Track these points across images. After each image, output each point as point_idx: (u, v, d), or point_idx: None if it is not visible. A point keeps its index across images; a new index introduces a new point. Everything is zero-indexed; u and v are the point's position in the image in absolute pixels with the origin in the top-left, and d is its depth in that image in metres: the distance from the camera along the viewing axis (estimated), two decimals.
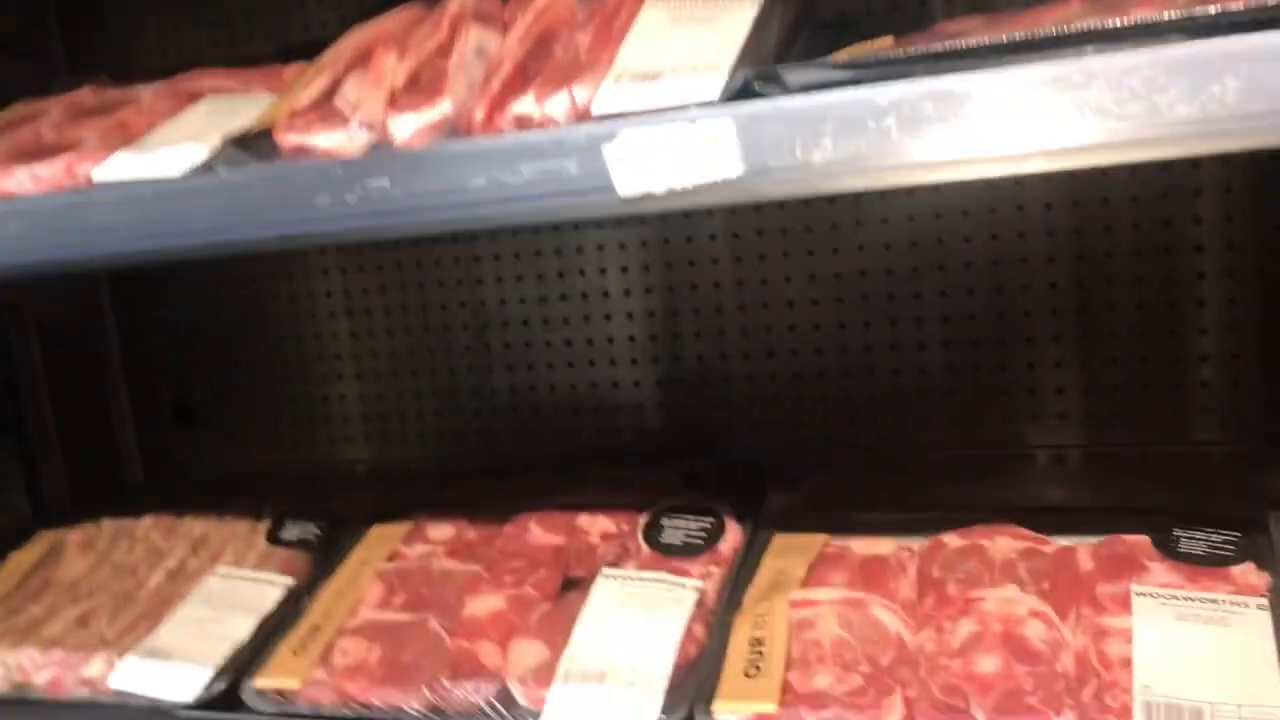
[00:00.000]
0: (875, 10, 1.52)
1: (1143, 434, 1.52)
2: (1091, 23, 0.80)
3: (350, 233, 0.99)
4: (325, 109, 1.10)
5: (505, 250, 1.72)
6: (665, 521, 1.25)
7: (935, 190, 1.56)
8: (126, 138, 1.19)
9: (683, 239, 1.66)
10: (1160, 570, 1.09)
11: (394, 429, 1.87)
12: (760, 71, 0.91)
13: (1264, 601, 1.03)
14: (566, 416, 1.75)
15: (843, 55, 0.92)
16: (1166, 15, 0.78)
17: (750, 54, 0.97)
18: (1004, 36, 0.83)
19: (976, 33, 0.93)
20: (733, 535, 1.23)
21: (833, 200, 1.60)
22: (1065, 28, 0.81)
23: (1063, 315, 1.52)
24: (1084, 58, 0.78)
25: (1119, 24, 0.79)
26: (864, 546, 1.21)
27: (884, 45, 0.98)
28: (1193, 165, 1.45)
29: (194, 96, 1.25)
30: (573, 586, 1.21)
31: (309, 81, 1.14)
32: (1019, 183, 1.51)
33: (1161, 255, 1.47)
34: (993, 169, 0.82)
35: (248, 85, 1.27)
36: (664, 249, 1.67)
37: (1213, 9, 0.77)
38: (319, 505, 1.51)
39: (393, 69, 1.08)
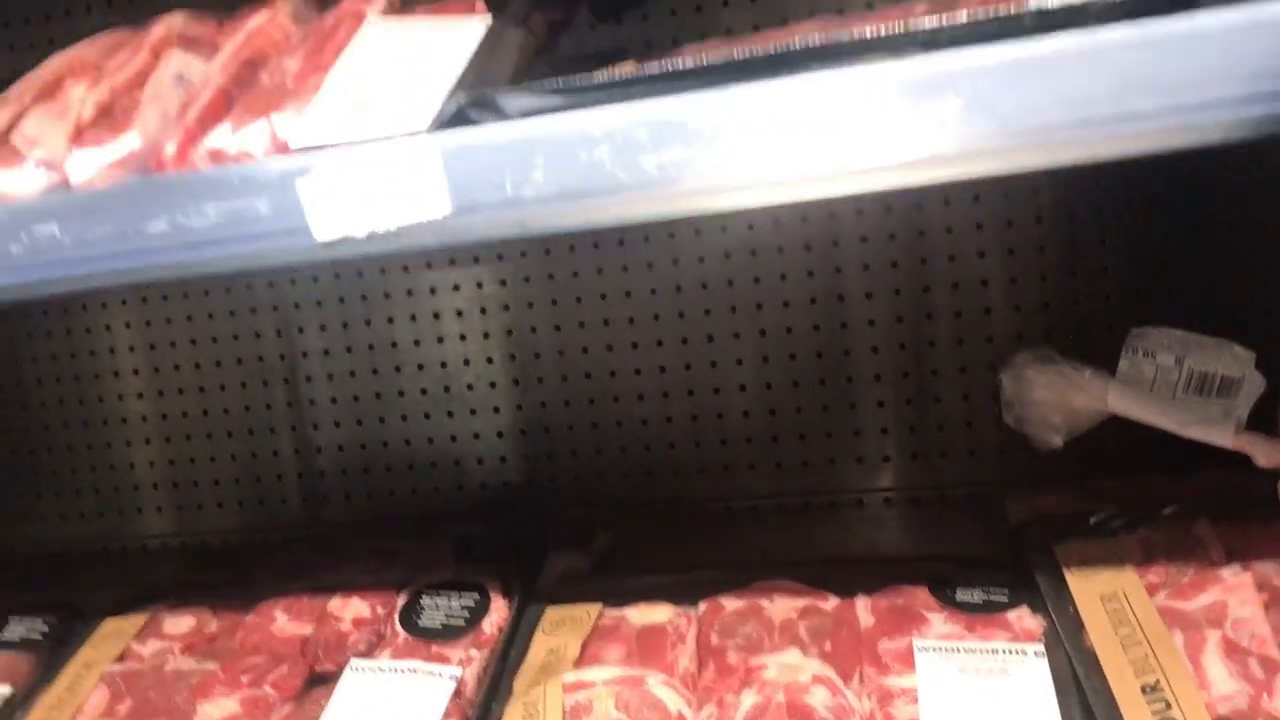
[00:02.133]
0: (655, 42, 1.46)
1: (973, 474, 1.48)
2: (817, 37, 0.73)
3: (12, 289, 0.85)
4: (2, 149, 0.96)
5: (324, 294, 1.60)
6: (425, 601, 1.12)
7: (749, 226, 1.50)
8: None
9: (497, 282, 1.56)
10: (939, 621, 1.03)
11: (200, 497, 1.70)
12: (474, 97, 0.82)
13: (1040, 647, 0.99)
14: (388, 476, 1.63)
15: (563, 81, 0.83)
16: (897, 28, 0.72)
17: (472, 81, 0.87)
18: (732, 54, 0.76)
19: (717, 51, 0.86)
20: (498, 613, 1.11)
21: (647, 238, 1.52)
22: (793, 43, 0.74)
23: (884, 353, 1.47)
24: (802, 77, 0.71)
25: (846, 38, 0.73)
26: (641, 615, 1.11)
27: (623, 69, 0.90)
28: (1004, 195, 1.42)
29: None
30: (319, 682, 1.08)
31: None
32: (834, 216, 1.46)
33: (979, 287, 1.44)
34: (724, 200, 0.74)
35: None
36: (478, 294, 1.57)
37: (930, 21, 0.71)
38: (50, 598, 1.33)
39: (80, 100, 0.96)
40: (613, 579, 1.18)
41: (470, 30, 0.92)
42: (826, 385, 1.50)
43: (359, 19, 0.96)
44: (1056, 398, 1.06)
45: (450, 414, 1.61)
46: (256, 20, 0.99)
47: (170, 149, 0.88)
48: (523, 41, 0.98)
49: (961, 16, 0.70)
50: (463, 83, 0.86)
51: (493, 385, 1.59)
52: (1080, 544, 1.08)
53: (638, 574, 1.18)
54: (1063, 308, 1.43)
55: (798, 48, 0.73)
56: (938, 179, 0.69)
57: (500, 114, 0.80)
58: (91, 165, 0.89)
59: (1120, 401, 1.04)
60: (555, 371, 1.56)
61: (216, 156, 0.87)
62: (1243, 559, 1.02)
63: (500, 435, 1.60)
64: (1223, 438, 1.02)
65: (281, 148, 0.85)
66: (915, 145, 0.68)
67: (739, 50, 0.75)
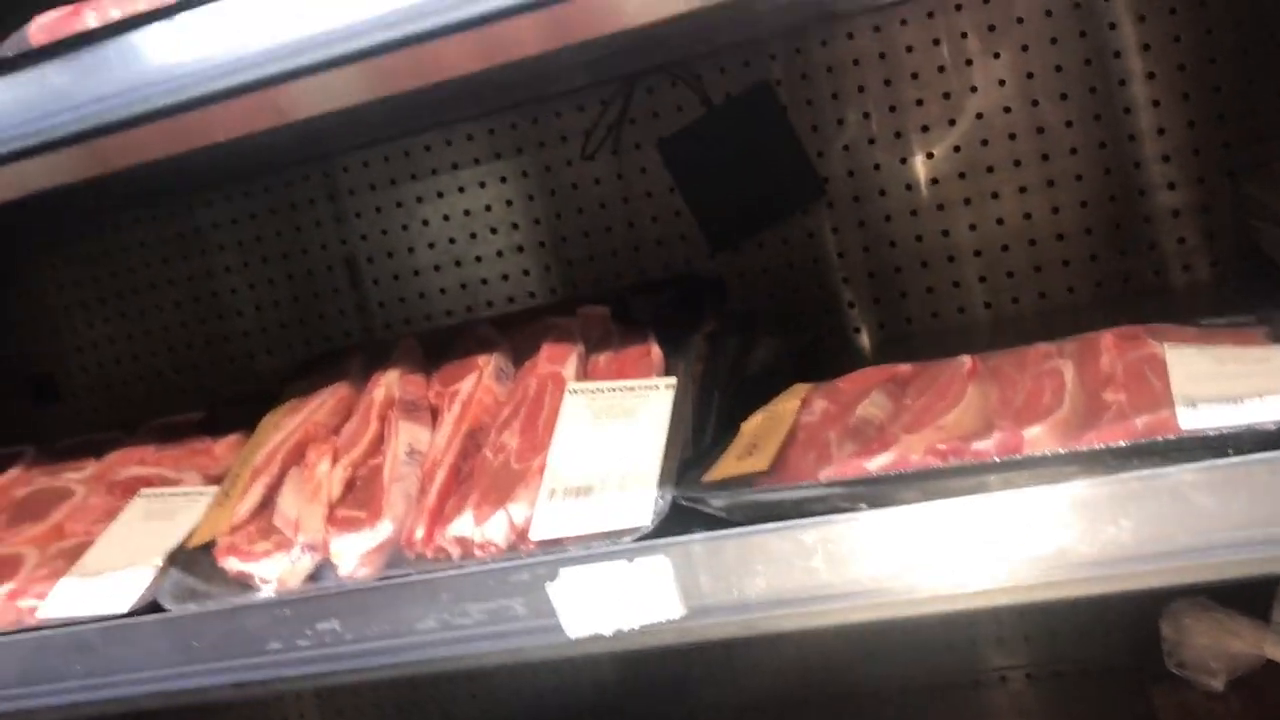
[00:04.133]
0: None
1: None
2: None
3: (304, 678, 1.00)
4: (264, 523, 1.12)
5: None
6: None
7: None
8: (64, 550, 1.19)
9: None
10: None
11: None
12: (687, 494, 0.95)
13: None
14: None
15: (765, 465, 0.96)
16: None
17: (672, 453, 1.01)
18: (930, 462, 0.88)
19: (887, 422, 0.98)
20: None
21: None
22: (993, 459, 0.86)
23: None
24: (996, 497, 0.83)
25: (1043, 455, 0.85)
26: None
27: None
28: None
29: (127, 489, 1.26)
30: None
31: (244, 486, 1.15)
32: None
33: None
34: (929, 606, 0.86)
35: (179, 468, 1.28)
36: None
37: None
38: None
39: (327, 476, 1.11)
40: None
41: (659, 400, 1.06)
42: None
43: (558, 383, 1.11)
44: (1214, 644, 1.17)
45: None
46: (466, 387, 1.14)
47: (419, 533, 1.03)
48: (698, 385, 1.12)
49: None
50: (668, 457, 1.00)
51: None
52: None
53: None
54: None
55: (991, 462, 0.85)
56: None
57: (707, 503, 0.94)
58: (353, 553, 1.04)
59: (1278, 649, 1.14)
60: None
61: (463, 545, 1.01)
62: None
63: None
64: None
65: (520, 535, 1.00)
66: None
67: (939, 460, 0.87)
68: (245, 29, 0.92)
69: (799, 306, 1.64)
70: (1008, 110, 1.52)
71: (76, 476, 1.31)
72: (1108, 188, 1.51)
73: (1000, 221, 1.55)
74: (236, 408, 1.37)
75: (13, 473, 1.37)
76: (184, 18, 0.93)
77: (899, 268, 1.60)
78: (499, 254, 1.76)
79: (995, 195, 1.55)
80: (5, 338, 2.03)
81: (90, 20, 0.99)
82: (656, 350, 1.13)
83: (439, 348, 1.26)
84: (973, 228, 1.56)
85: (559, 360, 1.12)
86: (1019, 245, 1.55)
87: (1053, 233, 1.54)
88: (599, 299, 1.24)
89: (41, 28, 1.00)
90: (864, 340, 1.62)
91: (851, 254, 1.61)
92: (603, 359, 1.14)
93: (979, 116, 1.54)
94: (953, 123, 1.55)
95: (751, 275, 1.65)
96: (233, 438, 1.29)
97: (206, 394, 1.90)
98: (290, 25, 0.91)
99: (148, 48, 0.95)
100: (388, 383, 1.17)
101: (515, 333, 1.22)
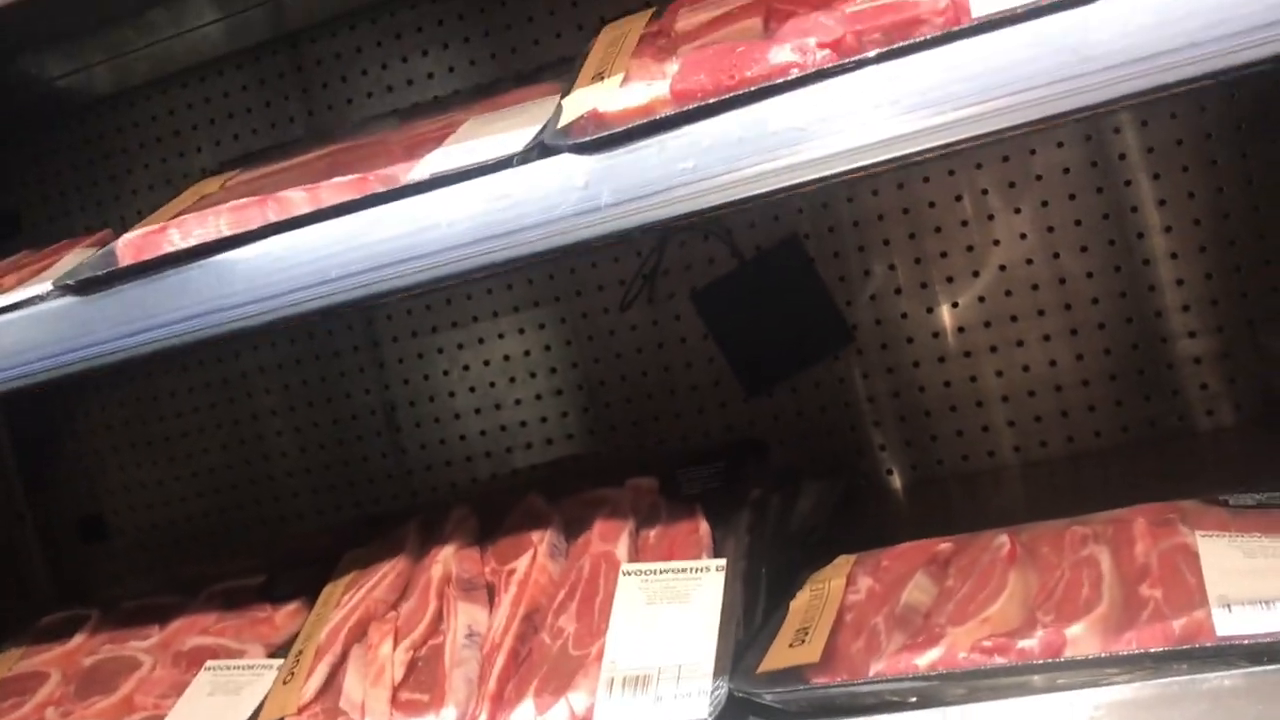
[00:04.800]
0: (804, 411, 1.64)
1: None
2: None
3: None
4: (330, 704, 1.15)
5: None
6: None
7: None
8: None
9: None
10: None
11: None
12: (742, 687, 0.99)
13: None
14: None
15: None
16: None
17: (726, 638, 1.05)
18: (977, 660, 0.92)
19: (933, 610, 1.02)
20: None
21: None
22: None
23: None
24: None
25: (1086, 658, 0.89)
26: None
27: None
28: None
29: (192, 660, 1.30)
30: None
31: (309, 665, 1.19)
32: None
33: None
34: None
35: (241, 638, 1.32)
36: None
37: None
38: None
39: (390, 658, 1.15)
40: None
41: (711, 583, 1.10)
42: None
43: (612, 564, 1.15)
44: None
45: None
46: (522, 566, 1.18)
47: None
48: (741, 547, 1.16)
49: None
50: (723, 644, 1.04)
51: None
52: None
53: None
54: None
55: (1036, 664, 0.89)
56: None
57: (762, 697, 0.98)
58: None
59: None
60: None
61: None
62: None
63: None
64: None
65: None
66: None
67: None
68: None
69: (832, 448, 1.69)
70: (1030, 262, 1.58)
71: (142, 645, 1.35)
72: (1130, 336, 1.56)
73: (1026, 368, 1.60)
74: (294, 571, 1.42)
75: (79, 639, 1.41)
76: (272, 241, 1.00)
77: (928, 412, 1.65)
78: (537, 398, 1.82)
79: (1020, 343, 1.60)
80: (55, 477, 2.08)
81: (175, 238, 1.06)
82: (705, 526, 1.17)
83: (491, 517, 1.30)
84: (999, 374, 1.61)
85: (611, 539, 1.17)
86: (1045, 391, 1.60)
87: (1078, 379, 1.58)
88: (645, 460, 1.29)
89: (129, 245, 1.07)
90: (896, 482, 1.67)
91: (881, 399, 1.66)
92: (653, 535, 1.19)
93: (1002, 268, 1.59)
94: (976, 274, 1.61)
95: (786, 419, 1.70)
96: (292, 606, 1.34)
97: (248, 533, 1.95)
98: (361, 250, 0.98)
99: (235, 268, 1.02)
100: (444, 559, 1.22)
101: (566, 503, 1.27)
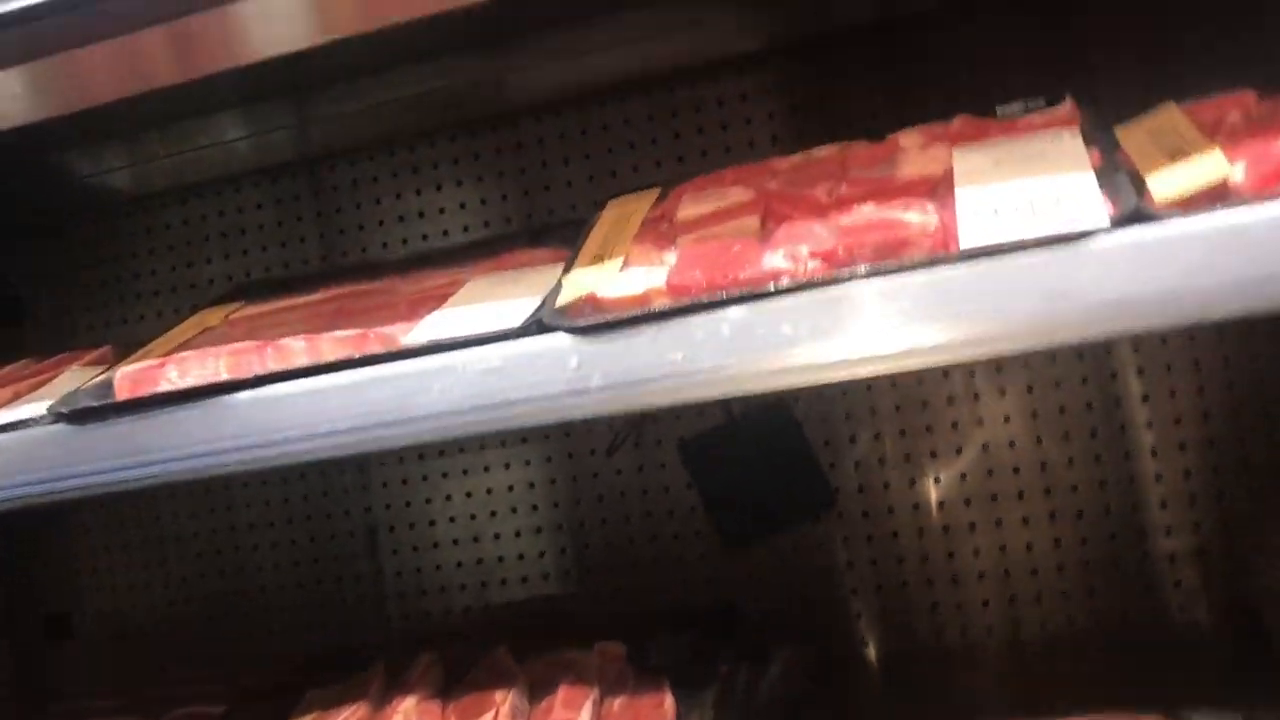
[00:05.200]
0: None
1: None
2: None
3: None
4: None
5: None
6: None
7: None
8: None
9: None
10: None
11: None
12: None
13: None
14: None
15: None
16: None
17: None
18: None
19: None
20: None
21: None
22: None
23: None
24: None
25: None
26: None
27: None
28: None
29: None
30: None
31: None
32: None
33: None
34: None
35: None
36: None
37: None
38: None
39: None
40: None
41: None
42: None
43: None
44: None
45: None
46: None
47: None
48: None
49: None
50: None
51: None
52: None
53: None
54: None
55: None
56: None
57: None
58: None
59: None
60: None
61: None
62: None
63: None
64: None
65: None
66: None
67: None
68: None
69: (809, 611, 1.69)
70: (1012, 445, 1.61)
71: None
72: (1107, 526, 1.57)
73: (1003, 549, 1.61)
74: (255, 704, 1.40)
75: None
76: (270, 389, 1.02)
77: (905, 583, 1.65)
78: (517, 534, 1.82)
79: (999, 522, 1.61)
80: (27, 571, 2.07)
81: (172, 376, 1.07)
82: (669, 701, 1.17)
83: (458, 666, 1.30)
84: (976, 553, 1.62)
85: (574, 706, 1.16)
86: (1021, 573, 1.60)
87: (1054, 564, 1.59)
88: (616, 615, 1.28)
89: (126, 378, 1.09)
90: (870, 654, 1.66)
91: (859, 566, 1.67)
92: (617, 705, 1.18)
93: (984, 448, 1.62)
94: (959, 451, 1.63)
95: (762, 575, 1.70)
96: None
97: (218, 644, 1.93)
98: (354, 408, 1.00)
99: (228, 413, 1.04)
100: (405, 712, 1.21)
101: (532, 662, 1.27)
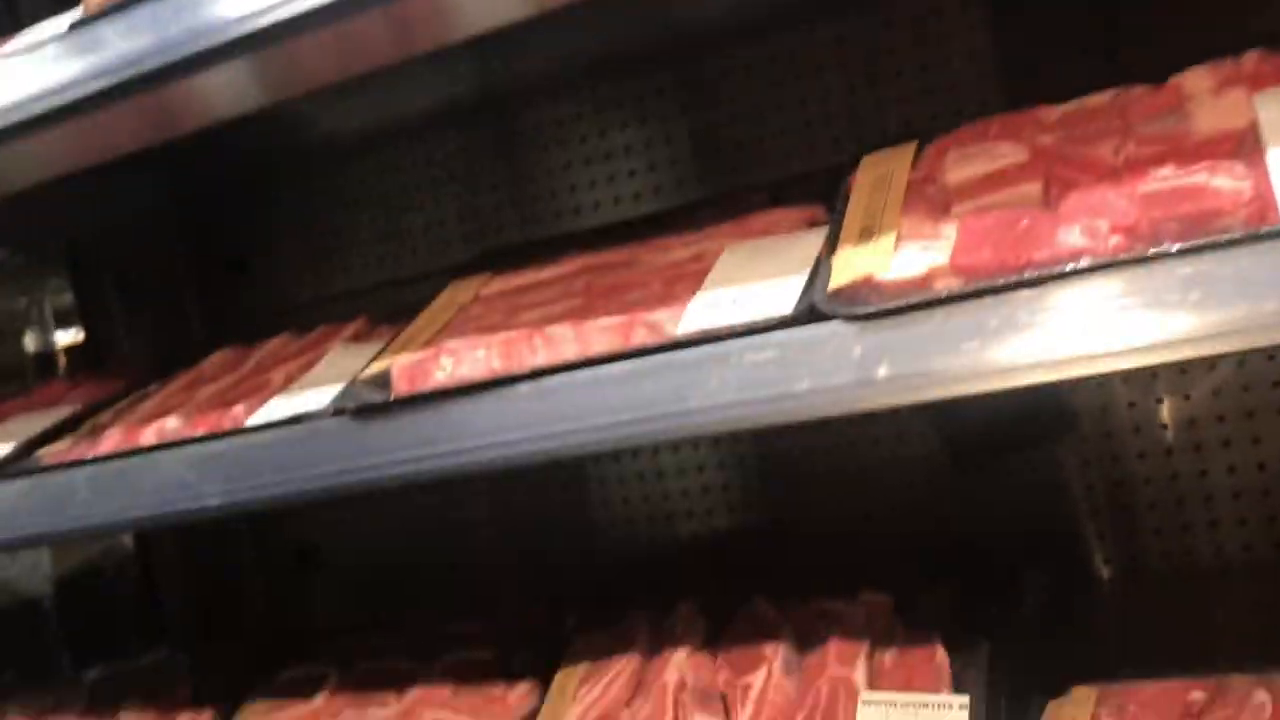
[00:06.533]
0: None
1: None
2: None
3: None
4: None
5: None
6: None
7: None
8: None
9: None
10: None
11: None
12: None
13: None
14: None
15: None
16: None
17: None
18: None
19: None
20: None
21: None
22: None
23: None
24: None
25: None
26: None
27: None
28: None
29: None
30: None
31: None
32: None
33: None
34: None
35: (476, 715, 1.39)
36: None
37: None
38: None
39: None
40: None
41: None
42: None
43: (849, 691, 1.17)
44: None
45: None
46: (758, 681, 1.21)
47: None
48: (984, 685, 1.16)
49: None
50: None
51: None
52: None
53: None
54: None
55: None
56: None
57: None
58: None
59: None
60: None
61: None
62: None
63: None
64: None
65: None
66: None
67: None
68: None
69: (1050, 534, 1.66)
70: (1271, 359, 1.52)
71: (381, 714, 1.43)
72: None
73: (1261, 466, 1.54)
74: (523, 647, 1.48)
75: (320, 700, 1.50)
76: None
77: (1153, 504, 1.60)
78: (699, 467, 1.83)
79: (1256, 440, 1.54)
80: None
81: (447, 367, 1.11)
82: (942, 654, 1.18)
83: (715, 617, 1.33)
84: (1231, 470, 1.56)
85: (848, 662, 1.18)
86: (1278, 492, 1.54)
87: None
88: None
89: (403, 371, 1.13)
90: (1116, 576, 1.63)
91: (1100, 488, 1.63)
92: (888, 659, 1.19)
93: (1241, 364, 1.54)
94: (1213, 367, 1.55)
95: (1000, 499, 1.67)
96: (524, 687, 1.39)
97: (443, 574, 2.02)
98: None
99: (507, 403, 1.07)
100: (678, 664, 1.26)
101: (796, 614, 1.29)
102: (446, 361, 1.11)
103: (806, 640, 1.25)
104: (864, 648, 1.20)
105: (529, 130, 1.87)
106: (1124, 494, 1.61)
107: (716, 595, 1.40)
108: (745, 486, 1.81)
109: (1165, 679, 1.15)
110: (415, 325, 1.26)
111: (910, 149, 1.12)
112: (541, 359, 1.07)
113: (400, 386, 1.12)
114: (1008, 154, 1.01)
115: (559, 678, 1.35)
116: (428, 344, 1.18)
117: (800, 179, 1.37)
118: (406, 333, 1.24)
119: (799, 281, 1.02)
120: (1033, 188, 0.96)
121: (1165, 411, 1.59)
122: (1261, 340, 0.82)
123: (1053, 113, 1.06)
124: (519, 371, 1.06)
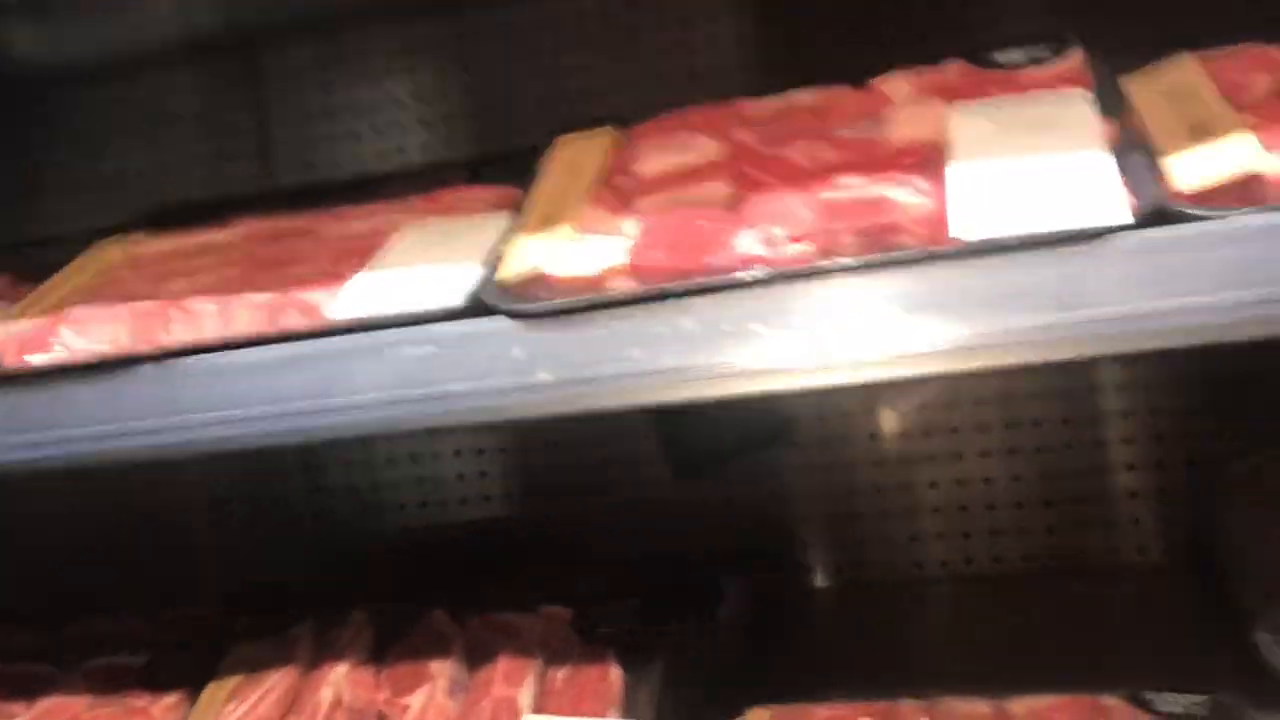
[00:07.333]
0: None
1: None
2: None
3: None
4: None
5: None
6: None
7: None
8: None
9: None
10: None
11: None
12: None
13: None
14: None
15: None
16: None
17: None
18: None
19: None
20: None
21: None
22: None
23: None
24: None
25: None
26: None
27: None
28: None
29: None
30: None
31: None
32: None
33: None
34: None
35: None
36: None
37: None
38: None
39: None
40: None
41: None
42: None
43: (513, 712, 1.08)
44: None
45: None
46: (418, 702, 1.11)
47: None
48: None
49: None
50: None
51: None
52: None
53: None
54: None
55: None
56: None
57: None
58: None
59: None
60: None
61: None
62: None
63: None
64: None
65: None
66: None
67: None
68: None
69: (759, 541, 1.63)
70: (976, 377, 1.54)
71: None
72: (1069, 462, 1.53)
73: (961, 483, 1.56)
74: (177, 652, 1.33)
75: None
76: None
77: (859, 514, 1.60)
78: (456, 453, 1.73)
79: (959, 456, 1.56)
80: None
81: (68, 339, 0.95)
82: (616, 673, 1.11)
83: (393, 626, 1.23)
84: (933, 485, 1.57)
85: (516, 682, 1.10)
86: (978, 508, 1.56)
87: (1012, 500, 1.55)
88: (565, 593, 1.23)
89: (13, 340, 0.97)
90: (822, 585, 1.62)
91: (813, 497, 1.62)
92: (560, 678, 1.12)
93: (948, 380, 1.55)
94: (923, 382, 1.56)
95: (713, 507, 1.64)
96: (171, 699, 1.24)
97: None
98: None
99: (129, 386, 0.92)
100: (336, 681, 1.15)
101: (472, 624, 1.20)
102: (66, 332, 0.96)
103: (479, 655, 1.16)
104: (536, 666, 1.12)
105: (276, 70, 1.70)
106: (839, 504, 1.61)
107: (399, 602, 1.29)
108: (485, 479, 1.71)
109: (838, 702, 1.12)
110: (48, 285, 1.09)
111: (610, 133, 1.04)
112: (176, 337, 0.94)
113: (8, 357, 0.96)
114: (703, 149, 0.94)
115: (208, 690, 1.21)
116: (52, 310, 1.02)
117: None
118: (32, 296, 1.07)
119: (472, 268, 0.92)
120: (721, 187, 0.89)
121: (880, 423, 1.59)
122: (919, 368, 0.78)
123: (758, 107, 1.00)
124: (144, 351, 0.92)
